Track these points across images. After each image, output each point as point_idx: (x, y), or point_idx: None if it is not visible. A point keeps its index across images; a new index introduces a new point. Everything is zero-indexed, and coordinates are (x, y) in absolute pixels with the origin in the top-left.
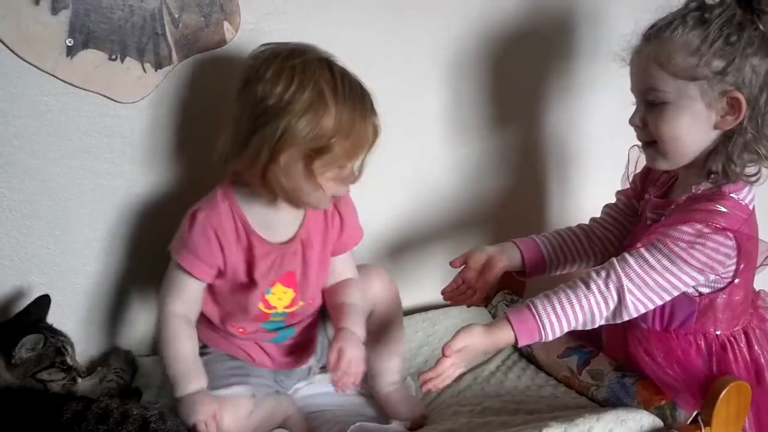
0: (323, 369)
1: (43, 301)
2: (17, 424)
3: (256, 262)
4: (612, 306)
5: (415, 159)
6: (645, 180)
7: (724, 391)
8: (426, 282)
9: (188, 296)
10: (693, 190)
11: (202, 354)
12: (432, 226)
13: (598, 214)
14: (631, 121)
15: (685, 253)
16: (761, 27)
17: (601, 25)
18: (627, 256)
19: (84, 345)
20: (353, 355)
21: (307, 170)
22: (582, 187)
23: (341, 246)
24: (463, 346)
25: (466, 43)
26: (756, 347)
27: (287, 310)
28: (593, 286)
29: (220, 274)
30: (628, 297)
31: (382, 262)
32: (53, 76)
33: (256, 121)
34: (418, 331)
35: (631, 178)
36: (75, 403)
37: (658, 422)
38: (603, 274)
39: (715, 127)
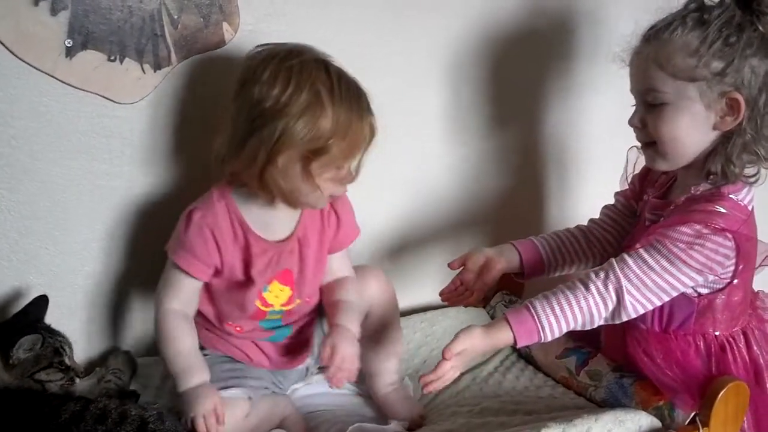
0: (321, 369)
1: (41, 302)
2: (15, 424)
3: (253, 260)
4: (611, 307)
5: (414, 159)
6: (644, 181)
7: (722, 392)
8: (425, 282)
9: (185, 295)
10: (692, 191)
11: None
12: (431, 226)
13: (597, 215)
14: (631, 122)
15: (684, 254)
16: (760, 28)
17: (600, 26)
18: (626, 257)
19: (82, 345)
20: (347, 351)
21: (304, 171)
22: (581, 187)
23: (338, 244)
24: (463, 349)
25: (465, 43)
26: (755, 348)
27: (284, 308)
28: (592, 287)
29: (217, 272)
30: (627, 298)
31: (381, 263)
32: (52, 76)
33: (253, 123)
34: (417, 332)
35: (629, 179)
36: (73, 403)
37: (657, 423)
38: (602, 275)
39: (714, 127)
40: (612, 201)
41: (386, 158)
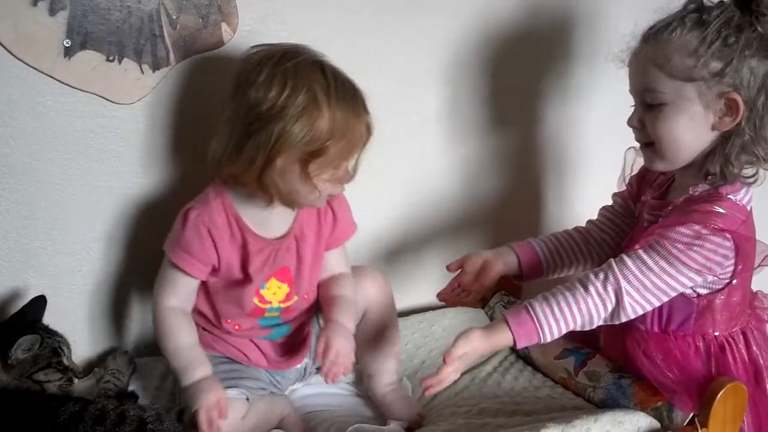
0: (319, 370)
1: (39, 302)
2: (14, 425)
3: (251, 257)
4: (610, 308)
5: (413, 160)
6: (641, 182)
7: (720, 392)
8: (423, 283)
9: (183, 292)
10: (690, 192)
11: None
12: (430, 227)
13: (596, 216)
14: (629, 122)
15: (683, 255)
16: (759, 29)
17: (600, 27)
18: (625, 258)
19: (81, 346)
20: (341, 345)
21: (303, 173)
22: (580, 188)
23: (334, 241)
24: (464, 353)
25: (465, 43)
26: (754, 348)
27: (282, 305)
28: (591, 289)
29: (214, 271)
30: (626, 299)
31: (379, 263)
32: (51, 77)
33: (250, 126)
34: (415, 332)
35: (627, 180)
36: (72, 404)
37: (655, 424)
38: (601, 276)
39: (713, 128)
40: (611, 202)
41: (386, 158)
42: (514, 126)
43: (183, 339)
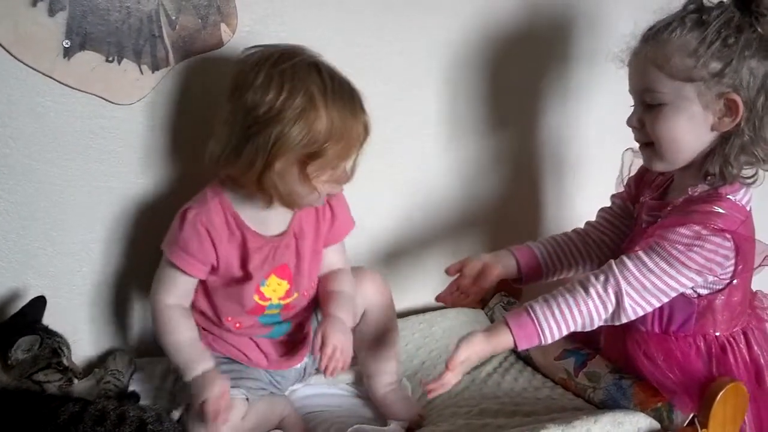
0: (319, 370)
1: (39, 303)
2: (14, 425)
3: (250, 255)
4: (610, 310)
5: (413, 160)
6: (640, 182)
7: (720, 393)
8: (423, 284)
9: (181, 291)
10: (690, 192)
11: None
12: (429, 227)
13: (594, 217)
14: (629, 122)
15: (683, 256)
16: (759, 29)
17: (600, 27)
18: (625, 259)
19: (81, 346)
20: (338, 340)
21: (302, 174)
22: (580, 188)
23: (333, 237)
24: (466, 357)
25: (465, 44)
26: (755, 348)
27: (282, 302)
28: (592, 291)
29: (213, 270)
30: (627, 301)
31: (379, 264)
32: (50, 77)
33: (248, 129)
34: (415, 333)
35: (625, 182)
36: (72, 404)
37: (655, 424)
38: (602, 278)
39: (712, 128)
40: (610, 203)
41: (385, 159)
42: (513, 126)
43: (184, 335)
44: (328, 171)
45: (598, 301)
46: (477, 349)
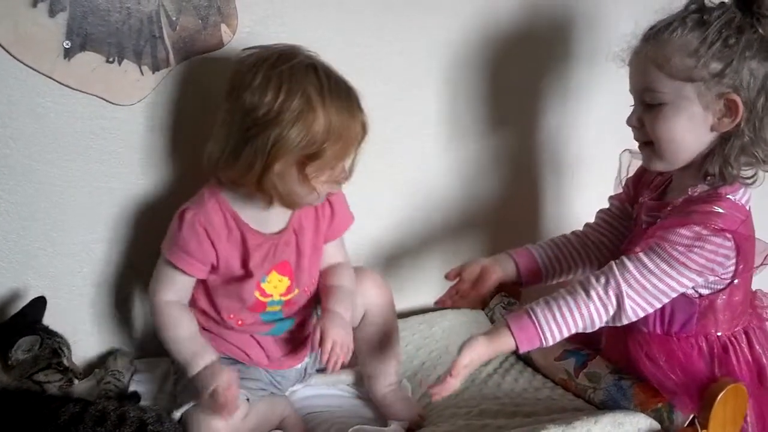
0: (320, 371)
1: (39, 303)
2: (14, 425)
3: (251, 253)
4: (611, 311)
5: (413, 160)
6: (638, 183)
7: (721, 394)
8: (423, 284)
9: (180, 289)
10: (689, 192)
11: None
12: (429, 227)
13: (593, 218)
14: (628, 121)
15: (683, 257)
16: (760, 30)
17: (600, 27)
18: (626, 261)
19: (81, 347)
20: (337, 334)
21: (301, 175)
22: (580, 188)
23: (332, 233)
24: (469, 361)
25: (465, 44)
26: (757, 347)
27: (283, 298)
28: (593, 293)
29: (213, 269)
30: (627, 302)
31: (379, 264)
32: (50, 78)
33: (247, 132)
34: (415, 334)
35: (623, 183)
36: (72, 405)
37: (656, 425)
38: (602, 280)
39: (712, 129)
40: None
41: (385, 159)
42: (513, 126)
43: (185, 329)
44: (326, 171)
45: (599, 304)
46: (479, 352)
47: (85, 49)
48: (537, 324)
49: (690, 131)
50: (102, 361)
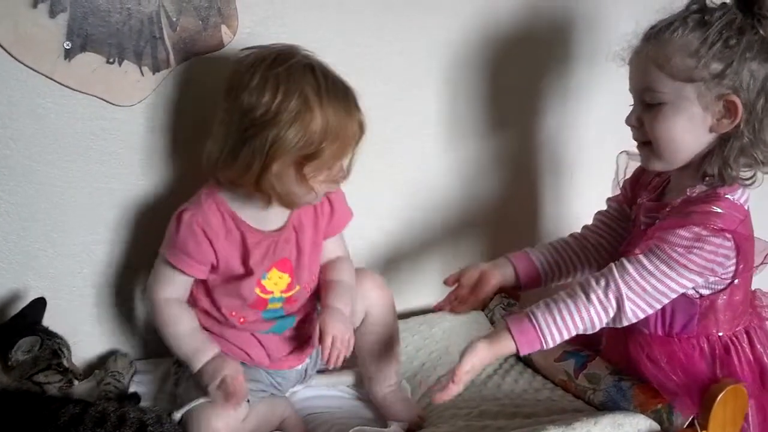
0: (320, 372)
1: (39, 304)
2: (14, 426)
3: (251, 251)
4: (611, 314)
5: (413, 160)
6: (636, 184)
7: (721, 395)
8: (423, 285)
9: (179, 288)
10: (687, 193)
11: None
12: (429, 228)
13: (592, 221)
14: (628, 121)
15: (683, 258)
16: (761, 32)
17: (600, 27)
18: (625, 262)
19: (81, 348)
20: (337, 329)
21: (299, 175)
22: (580, 189)
23: (332, 229)
24: (471, 366)
25: (465, 44)
26: (759, 347)
27: (284, 295)
28: (593, 296)
29: (213, 268)
30: (627, 304)
31: (379, 265)
32: (51, 78)
33: (245, 132)
34: (415, 335)
35: (621, 184)
36: (72, 406)
37: (655, 426)
38: (602, 282)
39: (711, 129)
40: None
41: (385, 159)
42: (513, 126)
43: (186, 325)
44: (324, 171)
45: (599, 306)
46: (481, 355)
47: (85, 50)
48: (537, 327)
49: (689, 132)
50: (102, 362)
